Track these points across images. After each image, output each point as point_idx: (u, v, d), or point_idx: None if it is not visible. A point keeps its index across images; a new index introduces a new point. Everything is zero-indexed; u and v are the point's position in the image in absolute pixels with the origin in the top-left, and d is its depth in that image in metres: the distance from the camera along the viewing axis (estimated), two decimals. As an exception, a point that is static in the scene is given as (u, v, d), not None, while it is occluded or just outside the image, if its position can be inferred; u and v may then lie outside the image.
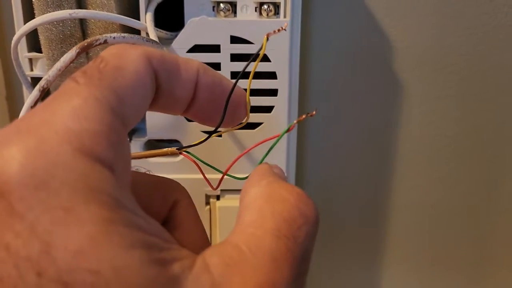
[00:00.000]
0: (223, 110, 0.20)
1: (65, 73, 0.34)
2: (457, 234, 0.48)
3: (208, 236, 0.38)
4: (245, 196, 0.17)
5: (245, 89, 0.21)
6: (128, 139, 0.16)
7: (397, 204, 0.46)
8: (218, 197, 0.37)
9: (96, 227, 0.13)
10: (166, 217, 0.20)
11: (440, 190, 0.46)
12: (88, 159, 0.13)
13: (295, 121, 0.21)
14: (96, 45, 0.23)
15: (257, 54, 0.20)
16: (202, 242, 0.20)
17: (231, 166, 0.22)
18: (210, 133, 0.21)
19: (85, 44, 0.23)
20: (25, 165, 0.13)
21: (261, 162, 0.20)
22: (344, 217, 0.47)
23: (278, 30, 0.21)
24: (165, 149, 0.24)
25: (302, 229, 0.15)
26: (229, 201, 0.37)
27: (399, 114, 0.43)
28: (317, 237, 0.16)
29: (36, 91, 0.20)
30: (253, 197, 0.17)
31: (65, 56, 0.21)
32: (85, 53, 0.30)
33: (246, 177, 0.19)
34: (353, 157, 0.45)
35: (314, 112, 0.22)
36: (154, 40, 0.31)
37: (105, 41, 0.24)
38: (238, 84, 0.20)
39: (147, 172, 0.20)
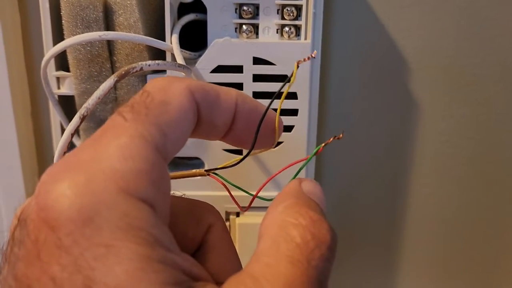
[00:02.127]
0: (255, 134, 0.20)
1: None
2: (471, 249, 0.48)
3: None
4: (262, 222, 0.18)
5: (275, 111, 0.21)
6: (168, 172, 0.17)
7: (412, 220, 0.47)
8: (238, 214, 0.38)
9: (134, 264, 0.13)
10: (201, 241, 0.20)
11: (455, 207, 0.46)
12: (131, 198, 0.14)
13: (323, 144, 0.21)
14: (133, 73, 0.24)
15: (288, 80, 0.21)
16: (235, 265, 0.20)
17: (260, 189, 0.22)
18: (243, 157, 0.22)
19: (123, 72, 0.23)
20: (74, 202, 0.14)
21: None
22: (361, 234, 0.47)
23: (308, 58, 0.22)
24: (194, 171, 0.25)
25: (315, 252, 0.15)
26: (248, 218, 0.38)
27: (415, 132, 0.44)
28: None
29: (76, 118, 0.21)
30: (269, 224, 0.17)
31: (104, 84, 0.22)
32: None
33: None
34: (369, 174, 0.45)
35: (341, 135, 0.22)
36: (184, 65, 0.32)
37: (141, 69, 0.25)
38: (265, 106, 0.21)
39: (183, 196, 0.21)
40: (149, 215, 0.15)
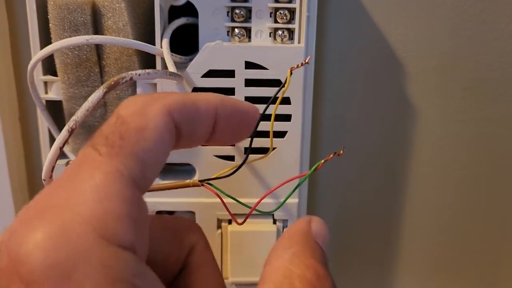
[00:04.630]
0: (241, 133, 0.20)
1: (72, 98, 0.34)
2: (470, 252, 0.48)
3: (219, 261, 0.38)
4: (267, 264, 0.17)
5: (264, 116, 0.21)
6: (145, 201, 0.16)
7: (410, 224, 0.46)
8: (229, 221, 0.37)
9: None
10: (183, 263, 0.20)
11: (453, 211, 0.46)
12: (110, 246, 0.14)
13: (322, 161, 0.21)
14: (122, 83, 0.24)
15: (282, 86, 0.20)
16: (218, 286, 0.20)
17: (258, 203, 0.22)
18: (238, 167, 0.21)
19: (112, 83, 0.23)
20: (49, 255, 0.13)
21: (285, 201, 0.20)
22: (358, 236, 0.47)
23: (302, 64, 0.22)
24: (188, 181, 0.24)
25: None
26: (241, 226, 0.37)
27: (411, 137, 0.43)
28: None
29: (64, 132, 0.20)
30: (274, 270, 0.17)
31: (92, 96, 0.22)
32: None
33: (273, 211, 0.19)
34: (366, 179, 0.44)
35: (341, 152, 0.21)
36: (175, 73, 0.31)
37: (131, 79, 0.25)
38: (245, 103, 0.20)
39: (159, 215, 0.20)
40: (130, 262, 0.14)
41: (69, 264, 0.13)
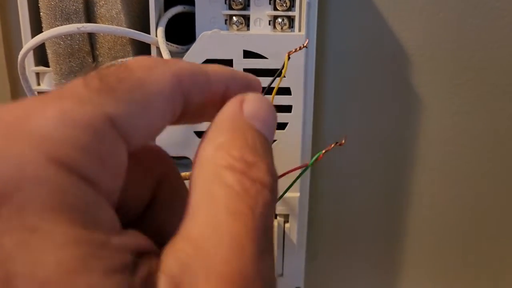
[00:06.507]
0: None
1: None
2: (473, 250, 0.46)
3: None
4: (193, 167, 0.14)
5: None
6: (126, 155, 0.14)
7: (413, 223, 0.45)
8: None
9: (69, 251, 0.11)
10: (150, 197, 0.17)
11: (458, 206, 0.45)
12: (65, 172, 0.12)
13: (323, 151, 0.20)
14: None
15: (279, 73, 0.19)
16: None
17: None
18: None
19: None
20: None
21: (285, 193, 0.19)
22: (358, 231, 0.45)
23: (300, 48, 0.20)
24: (184, 174, 0.23)
25: (257, 199, 0.13)
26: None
27: (416, 130, 0.42)
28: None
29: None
30: (200, 171, 0.14)
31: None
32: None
33: None
34: (369, 173, 0.43)
35: (343, 141, 0.20)
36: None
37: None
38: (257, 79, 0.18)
39: None
40: (87, 193, 0.12)
41: (11, 183, 0.11)
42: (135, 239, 0.13)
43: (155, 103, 0.14)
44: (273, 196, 0.14)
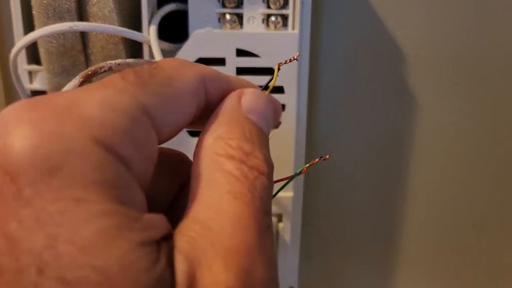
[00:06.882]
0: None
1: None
2: (471, 250, 0.46)
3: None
4: (195, 157, 0.16)
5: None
6: (157, 144, 0.15)
7: (410, 222, 0.45)
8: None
9: (107, 222, 0.12)
10: (174, 197, 0.18)
11: (455, 206, 0.45)
12: (106, 151, 0.13)
13: (307, 165, 0.20)
14: (100, 73, 0.22)
15: (268, 84, 0.19)
16: None
17: None
18: None
19: (89, 72, 0.22)
20: (39, 146, 0.12)
21: (274, 196, 0.19)
22: (353, 231, 0.45)
23: (290, 60, 0.20)
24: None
25: (255, 184, 0.15)
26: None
27: (413, 130, 0.42)
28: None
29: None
30: (201, 160, 0.15)
31: (68, 85, 0.21)
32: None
33: None
34: (365, 173, 0.43)
35: (327, 156, 0.20)
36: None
37: (110, 68, 0.24)
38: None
39: None
40: (124, 172, 0.13)
41: (61, 157, 0.12)
42: (161, 220, 0.14)
43: (183, 98, 0.16)
44: (270, 182, 0.15)
